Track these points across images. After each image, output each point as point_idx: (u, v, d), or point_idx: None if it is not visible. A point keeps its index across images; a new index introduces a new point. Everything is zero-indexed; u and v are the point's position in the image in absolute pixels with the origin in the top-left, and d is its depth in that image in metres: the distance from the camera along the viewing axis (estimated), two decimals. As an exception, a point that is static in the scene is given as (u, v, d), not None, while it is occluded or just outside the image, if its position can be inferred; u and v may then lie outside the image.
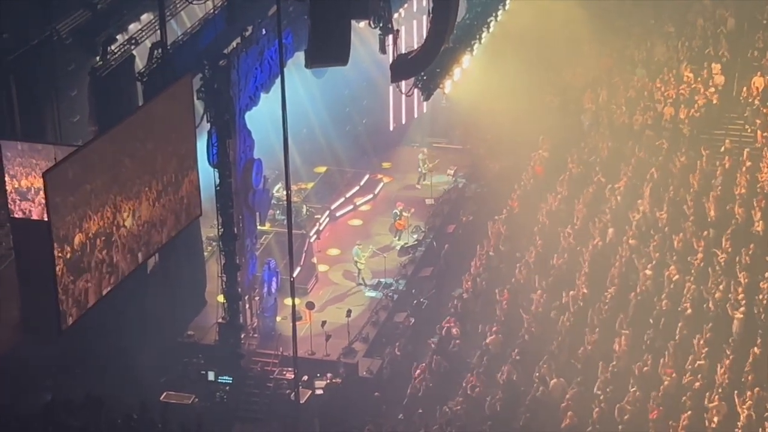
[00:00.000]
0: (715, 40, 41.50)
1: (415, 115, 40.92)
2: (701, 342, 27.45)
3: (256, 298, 30.21)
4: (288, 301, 27.60)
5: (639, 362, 27.11)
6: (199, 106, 27.59)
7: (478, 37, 30.81)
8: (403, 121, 40.79)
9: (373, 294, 32.22)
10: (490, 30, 31.70)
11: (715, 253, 30.82)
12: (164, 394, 27.95)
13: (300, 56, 27.37)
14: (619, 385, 26.69)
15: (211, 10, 29.18)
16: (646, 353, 27.45)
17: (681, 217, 32.88)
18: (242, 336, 29.37)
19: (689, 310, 28.69)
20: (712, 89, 39.60)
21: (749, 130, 38.09)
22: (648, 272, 30.33)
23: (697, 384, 26.24)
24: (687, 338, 27.76)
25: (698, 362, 26.83)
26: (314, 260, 33.11)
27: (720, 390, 25.92)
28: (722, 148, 37.00)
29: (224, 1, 29.06)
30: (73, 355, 27.34)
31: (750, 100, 38.81)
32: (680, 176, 35.17)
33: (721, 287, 29.14)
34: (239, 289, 28.94)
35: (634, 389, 26.37)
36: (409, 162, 38.46)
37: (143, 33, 28.51)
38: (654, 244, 31.61)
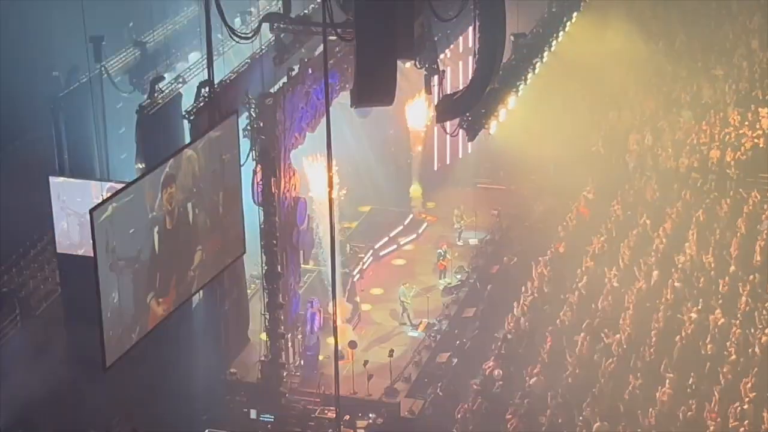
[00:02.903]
0: (762, 83, 41.36)
1: (460, 156, 40.96)
2: (747, 387, 27.16)
3: (299, 337, 30.23)
4: (330, 340, 27.62)
5: (684, 407, 26.85)
6: (244, 144, 27.77)
7: (523, 78, 30.81)
8: (448, 161, 40.84)
9: (415, 334, 32.13)
10: (536, 71, 31.72)
11: (762, 298, 30.55)
12: (206, 431, 28.00)
13: (345, 96, 27.46)
14: (663, 429, 26.43)
15: (259, 50, 29.45)
16: (691, 398, 27.19)
17: (727, 261, 32.63)
18: (284, 374, 29.38)
19: (734, 355, 28.42)
20: (759, 132, 39.42)
21: (796, 174, 37.92)
22: (693, 316, 30.08)
23: (742, 429, 25.93)
24: (732, 383, 27.47)
25: (743, 407, 26.55)
26: (357, 299, 33.12)
27: (765, 436, 25.69)
28: (769, 192, 36.84)
29: (271, 40, 29.34)
30: (116, 390, 27.47)
31: (797, 144, 38.63)
32: (726, 219, 34.94)
33: (767, 332, 28.84)
34: (282, 328, 28.99)
35: (678, 434, 26.16)
36: (454, 202, 38.23)
37: (191, 72, 28.83)
38: (699, 287, 31.38)
